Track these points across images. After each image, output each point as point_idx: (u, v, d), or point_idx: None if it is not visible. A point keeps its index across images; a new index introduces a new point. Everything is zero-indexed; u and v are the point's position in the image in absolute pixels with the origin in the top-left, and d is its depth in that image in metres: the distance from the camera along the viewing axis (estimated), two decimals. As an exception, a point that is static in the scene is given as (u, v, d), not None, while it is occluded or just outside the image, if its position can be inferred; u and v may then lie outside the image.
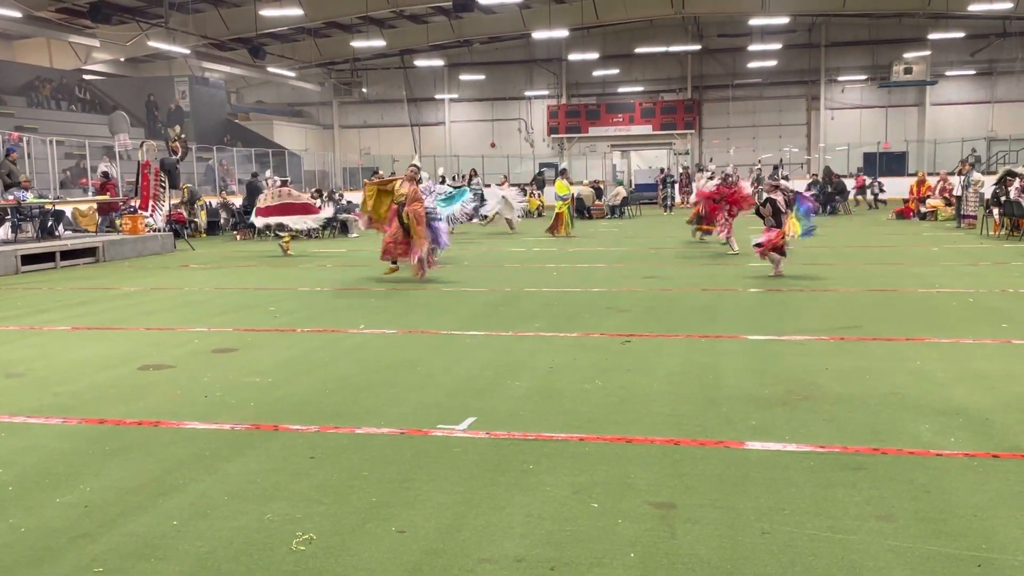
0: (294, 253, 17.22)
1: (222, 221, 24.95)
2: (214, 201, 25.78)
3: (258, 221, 17.63)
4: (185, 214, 22.94)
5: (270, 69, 37.23)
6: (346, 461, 4.61)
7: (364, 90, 43.10)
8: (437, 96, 43.07)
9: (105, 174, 21.96)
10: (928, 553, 3.41)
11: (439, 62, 39.66)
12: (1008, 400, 5.51)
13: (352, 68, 41.79)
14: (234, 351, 7.64)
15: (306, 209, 17.52)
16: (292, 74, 38.74)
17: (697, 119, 40.68)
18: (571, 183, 22.07)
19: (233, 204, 25.05)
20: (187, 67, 36.05)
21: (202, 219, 23.96)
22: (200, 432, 5.21)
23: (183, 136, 21.65)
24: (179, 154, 20.69)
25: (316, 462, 4.61)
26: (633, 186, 36.31)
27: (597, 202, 29.32)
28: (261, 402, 5.87)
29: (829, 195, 27.18)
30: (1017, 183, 17.25)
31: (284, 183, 18.55)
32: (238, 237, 22.75)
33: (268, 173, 21.46)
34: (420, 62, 39.80)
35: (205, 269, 15.13)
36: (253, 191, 22.00)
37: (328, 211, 18.53)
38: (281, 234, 17.71)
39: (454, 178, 27.94)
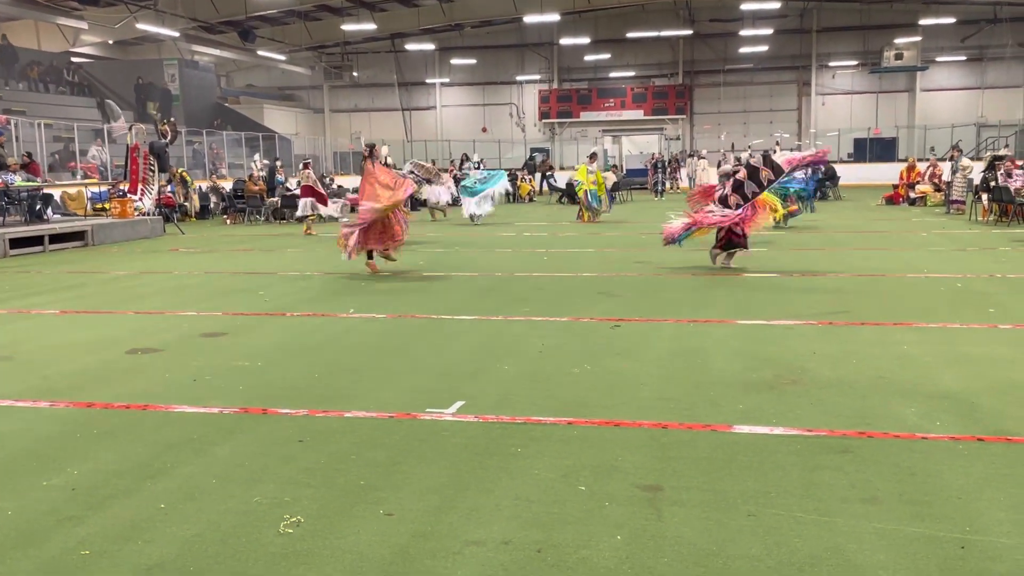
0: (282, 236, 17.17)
1: (212, 205, 24.86)
2: (204, 185, 25.67)
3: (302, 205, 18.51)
4: (181, 197, 22.85)
5: (260, 52, 36.99)
6: (335, 445, 4.61)
7: (355, 74, 42.85)
8: (428, 80, 42.90)
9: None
10: (912, 535, 3.43)
11: (430, 46, 39.47)
12: (994, 384, 5.54)
13: (342, 52, 41.53)
14: (223, 335, 7.63)
15: (322, 199, 18.52)
16: (282, 57, 38.50)
17: (688, 104, 40.62)
18: (603, 167, 21.26)
19: (223, 188, 24.97)
20: (176, 50, 35.76)
21: (194, 203, 23.87)
22: (189, 416, 5.21)
23: (172, 119, 21.51)
24: (168, 137, 20.57)
25: (305, 446, 4.60)
26: (624, 171, 36.27)
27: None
28: (250, 386, 5.86)
29: (820, 181, 27.20)
30: (1003, 168, 17.29)
31: (306, 164, 19.36)
32: (228, 221, 22.69)
33: (256, 157, 21.41)
34: (411, 46, 39.60)
35: (194, 253, 15.09)
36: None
37: (335, 207, 18.83)
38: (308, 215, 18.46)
39: (480, 163, 27.54)
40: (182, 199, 23.16)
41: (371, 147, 12.39)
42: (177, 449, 4.60)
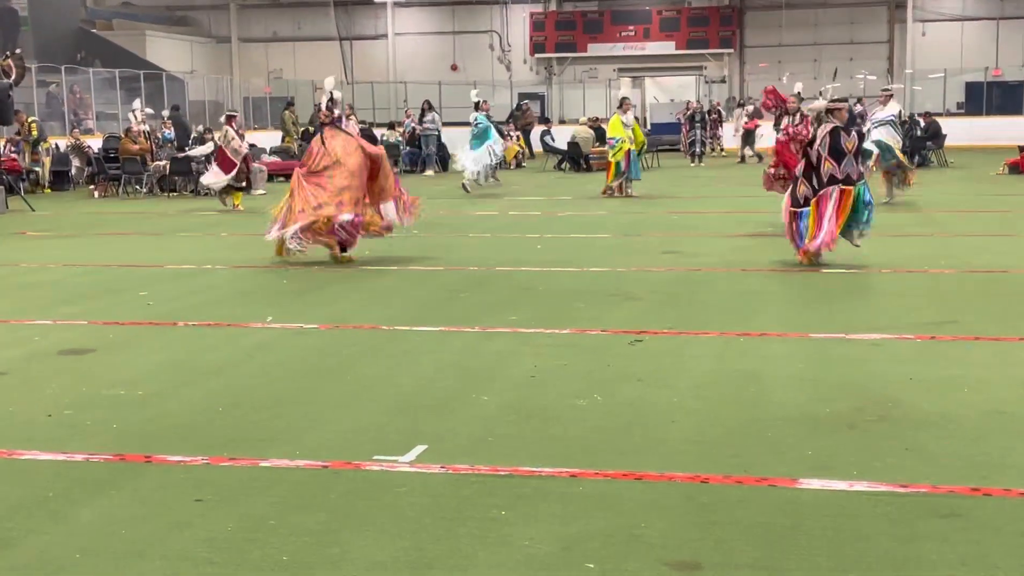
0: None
1: (74, 171, 24.72)
2: (62, 143, 25.53)
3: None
4: (28, 159, 22.70)
5: (142, -42, 36.84)
6: (246, 505, 4.60)
7: (274, -11, 42.77)
8: (376, -1, 42.86)
9: None
10: (1045, 630, 3.46)
11: (379, -49, 39.44)
12: None
13: (257, -42, 41.47)
14: (90, 352, 7.58)
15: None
16: (173, -35, 38.36)
17: (737, 35, 40.75)
18: (633, 119, 21.01)
19: (89, 148, 24.84)
20: (24, -46, 35.58)
21: (45, 168, 23.73)
22: (42, 465, 5.16)
23: (17, 51, 21.37)
24: (12, 76, 20.42)
25: (204, 507, 4.58)
26: (649, 126, 36.37)
27: (597, 147, 29.28)
28: (128, 423, 5.82)
29: (918, 140, 27.40)
30: None
31: (230, 118, 19.47)
32: (96, 193, 22.56)
33: (136, 104, 21.28)
34: (353, -50, 39.57)
35: (49, 238, 14.99)
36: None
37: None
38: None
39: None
40: (31, 160, 23.00)
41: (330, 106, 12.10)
42: (26, 512, 4.55)
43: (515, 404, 6.12)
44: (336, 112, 12.08)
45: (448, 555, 4.07)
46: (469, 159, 21.55)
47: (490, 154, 21.76)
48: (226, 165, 18.57)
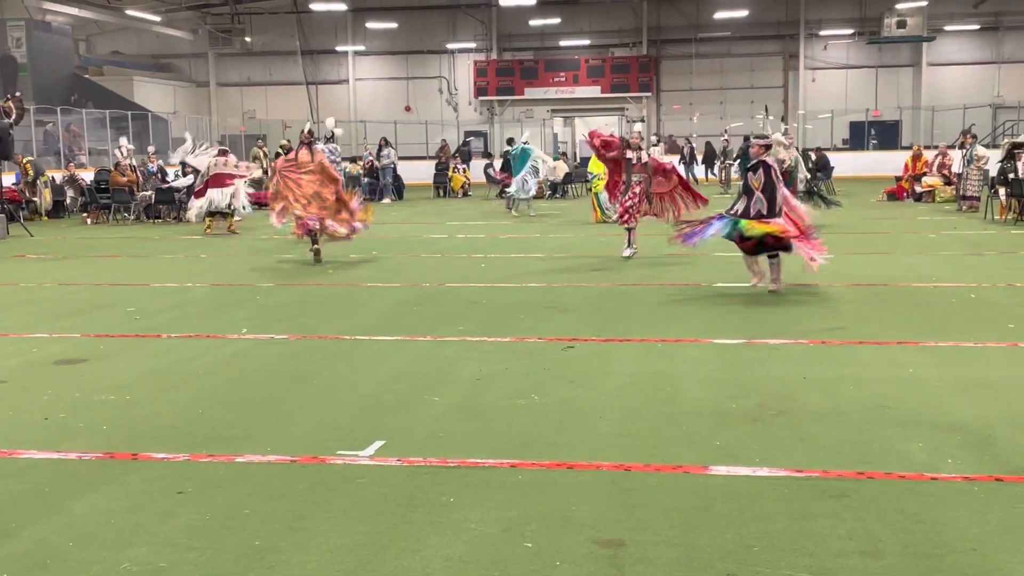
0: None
1: (68, 201, 24.39)
2: (58, 176, 25.17)
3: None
4: (26, 194, 22.37)
5: (129, 12, 36.43)
6: (223, 496, 4.56)
7: (247, 40, 42.44)
8: (339, 48, 42.68)
9: None
10: (921, 594, 3.51)
11: (341, 6, 39.27)
12: (1014, 414, 5.70)
13: (232, 12, 41.13)
14: (83, 362, 7.52)
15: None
16: (157, 19, 37.99)
17: (654, 80, 41.10)
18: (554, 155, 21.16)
19: (82, 180, 24.51)
20: (23, 8, 35.04)
21: (46, 199, 23.39)
22: (39, 463, 5.11)
23: (18, 94, 21.07)
24: (12, 117, 20.10)
25: (185, 498, 4.55)
26: (578, 160, 36.52)
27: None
28: (116, 425, 5.78)
29: (810, 172, 27.71)
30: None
31: (223, 152, 19.47)
32: (88, 220, 22.30)
33: (122, 141, 20.99)
34: (317, 5, 39.37)
35: (46, 260, 14.79)
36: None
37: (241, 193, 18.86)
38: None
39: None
40: (29, 194, 22.66)
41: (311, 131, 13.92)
42: (24, 505, 4.51)
43: (463, 404, 6.13)
44: (318, 142, 14.17)
45: (403, 538, 4.06)
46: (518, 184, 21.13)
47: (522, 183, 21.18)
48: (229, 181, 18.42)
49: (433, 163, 32.42)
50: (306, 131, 13.53)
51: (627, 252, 13.21)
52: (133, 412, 6.06)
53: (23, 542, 4.10)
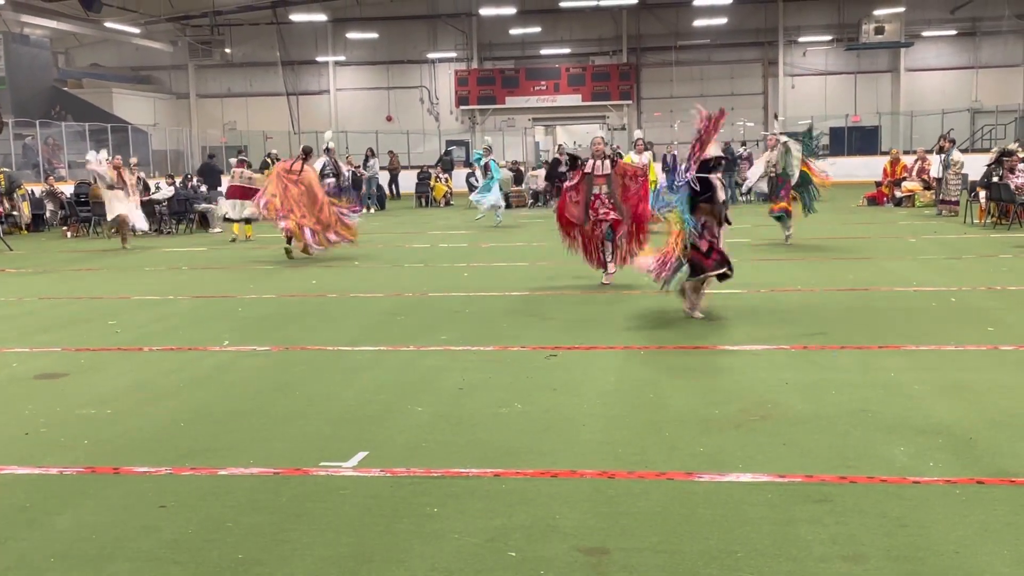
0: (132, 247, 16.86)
1: (48, 214, 24.29)
2: (37, 189, 25.06)
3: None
4: (7, 205, 22.23)
5: (108, 24, 36.30)
6: (206, 510, 4.55)
7: (227, 51, 42.36)
8: (319, 59, 42.66)
9: None
10: (903, 598, 3.52)
11: (321, 16, 39.29)
12: (995, 416, 5.74)
13: (212, 24, 41.01)
14: (63, 376, 7.48)
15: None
16: (136, 31, 37.87)
17: (635, 88, 41.22)
18: (650, 158, 19.41)
19: (62, 193, 24.41)
20: (1, 21, 34.89)
21: (25, 212, 23.26)
22: (20, 478, 5.08)
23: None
24: (-9, 130, 20.04)
25: (168, 512, 4.53)
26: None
27: (515, 187, 29.47)
28: (98, 439, 5.75)
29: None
30: (1008, 164, 17.67)
31: (241, 163, 19.91)
32: (68, 234, 22.19)
33: (99, 155, 20.76)
34: (297, 16, 39.38)
35: (25, 274, 14.72)
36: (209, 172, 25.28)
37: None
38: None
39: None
40: (9, 208, 22.53)
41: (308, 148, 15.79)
42: (5, 521, 4.48)
43: (446, 413, 6.12)
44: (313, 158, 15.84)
45: (387, 549, 4.06)
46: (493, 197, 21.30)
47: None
48: (243, 193, 18.68)
49: (415, 172, 32.44)
50: (302, 147, 15.58)
51: (611, 271, 11.80)
52: (115, 426, 6.03)
53: (4, 558, 4.07)
